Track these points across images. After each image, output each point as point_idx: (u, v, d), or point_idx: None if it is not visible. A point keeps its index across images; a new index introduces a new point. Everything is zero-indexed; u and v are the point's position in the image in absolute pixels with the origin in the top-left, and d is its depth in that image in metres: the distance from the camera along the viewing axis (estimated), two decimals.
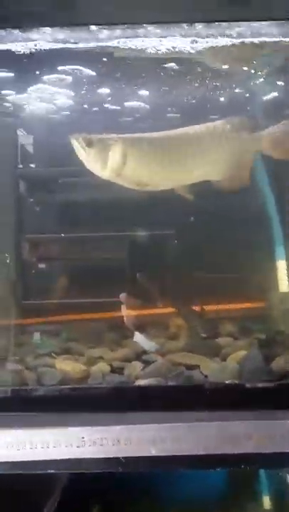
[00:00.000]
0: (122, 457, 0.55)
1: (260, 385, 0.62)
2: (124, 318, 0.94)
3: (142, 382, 0.69)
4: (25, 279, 1.05)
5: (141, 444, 0.57)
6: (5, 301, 0.97)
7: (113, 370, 0.75)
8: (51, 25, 0.65)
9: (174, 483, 0.85)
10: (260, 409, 0.60)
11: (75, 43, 0.67)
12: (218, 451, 0.57)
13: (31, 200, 1.03)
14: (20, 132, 0.98)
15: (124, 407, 0.62)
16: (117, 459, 0.57)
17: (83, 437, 0.57)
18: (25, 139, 0.98)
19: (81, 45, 0.67)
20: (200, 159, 0.78)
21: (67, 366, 0.75)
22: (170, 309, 1.00)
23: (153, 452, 0.57)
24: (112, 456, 0.57)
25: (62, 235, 1.02)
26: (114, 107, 0.87)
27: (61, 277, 1.07)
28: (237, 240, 0.99)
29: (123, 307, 0.94)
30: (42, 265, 1.06)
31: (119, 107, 0.87)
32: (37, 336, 0.88)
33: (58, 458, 0.58)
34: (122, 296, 0.95)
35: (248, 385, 0.63)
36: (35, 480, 0.63)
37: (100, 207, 0.99)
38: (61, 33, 0.66)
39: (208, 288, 1.00)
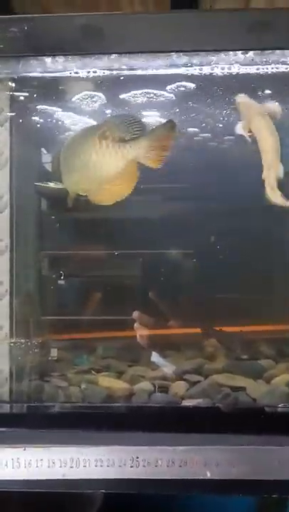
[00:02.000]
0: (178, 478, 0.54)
1: None
2: (138, 337, 0.93)
3: (189, 403, 0.68)
4: (44, 295, 1.05)
5: (196, 466, 0.56)
6: (33, 316, 0.98)
7: (156, 389, 0.75)
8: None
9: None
10: None
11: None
12: (275, 477, 0.56)
13: (52, 217, 1.05)
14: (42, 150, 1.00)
15: (175, 428, 0.61)
16: (171, 480, 0.56)
17: (138, 457, 0.56)
18: (47, 158, 1.00)
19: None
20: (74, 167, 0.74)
21: (111, 383, 0.74)
22: (197, 329, 1.00)
23: (208, 475, 0.56)
24: (166, 478, 0.56)
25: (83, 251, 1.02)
26: None
27: (93, 293, 1.07)
28: (269, 259, 0.99)
29: (136, 325, 0.94)
30: (62, 281, 1.06)
31: None
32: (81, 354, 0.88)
33: (111, 478, 0.57)
34: (135, 313, 0.94)
35: None
36: (82, 499, 0.62)
37: (120, 224, 1.00)
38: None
39: (241, 309, 1.00)
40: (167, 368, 0.86)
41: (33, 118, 0.83)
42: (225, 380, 0.76)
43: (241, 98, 0.72)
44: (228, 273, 1.02)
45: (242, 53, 0.67)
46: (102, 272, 1.04)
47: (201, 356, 0.93)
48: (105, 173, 0.72)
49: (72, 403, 0.67)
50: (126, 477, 0.56)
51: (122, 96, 0.77)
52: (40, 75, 0.72)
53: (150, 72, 0.70)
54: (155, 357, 0.95)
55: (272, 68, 0.68)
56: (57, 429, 0.61)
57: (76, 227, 1.03)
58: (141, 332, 0.94)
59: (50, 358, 0.86)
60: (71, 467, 0.56)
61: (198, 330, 1.01)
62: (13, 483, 0.57)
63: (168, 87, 0.77)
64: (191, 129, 0.87)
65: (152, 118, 0.80)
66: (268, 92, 0.75)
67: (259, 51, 0.65)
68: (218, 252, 0.98)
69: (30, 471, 0.57)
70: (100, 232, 1.00)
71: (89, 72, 0.72)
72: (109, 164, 0.71)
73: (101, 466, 0.56)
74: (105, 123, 0.72)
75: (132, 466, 0.56)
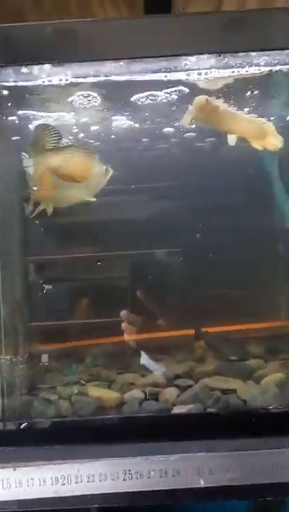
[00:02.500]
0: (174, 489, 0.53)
1: None
2: (126, 338, 0.93)
3: (180, 410, 0.67)
4: (32, 302, 1.04)
5: (189, 475, 0.56)
6: (15, 323, 0.96)
7: (147, 397, 0.74)
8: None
9: None
10: None
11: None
12: (269, 481, 0.56)
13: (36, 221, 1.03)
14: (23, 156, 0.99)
15: (166, 437, 0.60)
16: (165, 491, 0.55)
17: (130, 470, 0.56)
18: (28, 162, 0.99)
19: None
20: None
21: (102, 393, 0.74)
22: (188, 331, 0.99)
23: (202, 483, 0.55)
24: (160, 489, 0.55)
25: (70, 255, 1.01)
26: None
27: (81, 298, 1.06)
28: (255, 256, 0.99)
29: (123, 325, 0.93)
30: (49, 287, 1.05)
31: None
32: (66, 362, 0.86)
33: (103, 492, 0.56)
34: (123, 313, 0.94)
35: None
36: None
37: (104, 226, 0.99)
38: None
39: (227, 307, 1.00)
40: (158, 372, 0.86)
41: (14, 123, 0.82)
42: (215, 383, 0.76)
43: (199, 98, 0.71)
44: (215, 271, 1.02)
45: (214, 56, 0.66)
46: (89, 275, 1.02)
47: (191, 359, 0.93)
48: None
49: (62, 418, 0.66)
50: (119, 491, 0.56)
51: (95, 103, 0.76)
52: (13, 84, 0.71)
53: (123, 78, 0.69)
54: (145, 360, 0.94)
55: (246, 70, 0.67)
56: (46, 446, 0.60)
57: (61, 232, 1.02)
58: (129, 332, 0.94)
59: (41, 364, 0.85)
60: (63, 484, 0.55)
61: (187, 331, 1.00)
62: (4, 504, 0.55)
63: (143, 93, 0.76)
64: (169, 130, 0.87)
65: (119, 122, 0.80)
66: (242, 93, 0.75)
67: (231, 53, 0.65)
68: (205, 250, 0.99)
69: (21, 490, 0.55)
70: (85, 235, 1.00)
71: (61, 80, 0.71)
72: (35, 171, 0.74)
73: (93, 481, 0.56)
74: (34, 130, 0.74)
75: (124, 479, 0.56)
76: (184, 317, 1.00)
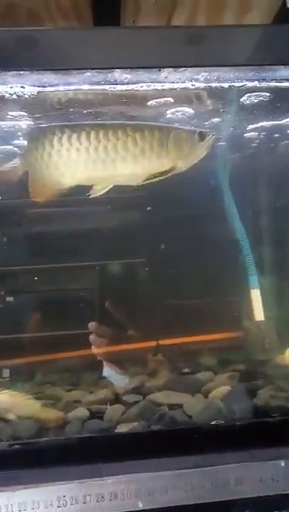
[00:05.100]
0: None
1: (246, 422, 0.60)
2: (94, 350, 0.91)
3: (124, 428, 0.65)
4: None
5: (127, 498, 0.54)
6: None
7: (93, 415, 0.72)
8: None
9: None
10: (249, 449, 0.58)
11: None
12: (210, 500, 0.54)
13: None
14: None
15: (105, 458, 0.58)
16: None
17: (64, 496, 0.53)
18: None
19: None
20: None
21: (43, 414, 0.70)
22: (146, 343, 0.98)
23: (140, 506, 0.53)
24: None
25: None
26: None
27: (34, 312, 1.03)
28: (211, 268, 1.00)
29: (92, 337, 0.92)
30: (10, 298, 1.02)
31: None
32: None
33: None
34: (91, 325, 0.92)
35: (234, 424, 0.61)
36: None
37: (68, 237, 0.97)
38: None
39: (183, 319, 0.99)
40: (121, 384, 0.84)
41: None
42: (163, 398, 0.74)
43: None
44: (167, 285, 1.01)
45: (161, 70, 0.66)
46: (41, 287, 1.00)
47: (144, 372, 0.91)
48: None
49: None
50: None
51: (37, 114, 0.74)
52: None
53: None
54: (107, 372, 0.92)
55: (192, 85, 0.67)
56: None
57: (23, 241, 0.99)
58: (98, 344, 0.92)
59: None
60: None
61: (142, 344, 0.99)
62: None
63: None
64: None
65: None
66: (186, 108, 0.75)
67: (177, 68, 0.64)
68: (154, 263, 0.98)
69: None
70: (47, 245, 0.97)
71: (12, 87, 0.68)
72: None
73: (25, 509, 0.53)
74: None
75: (59, 506, 0.53)
76: (140, 329, 0.99)
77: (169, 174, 0.69)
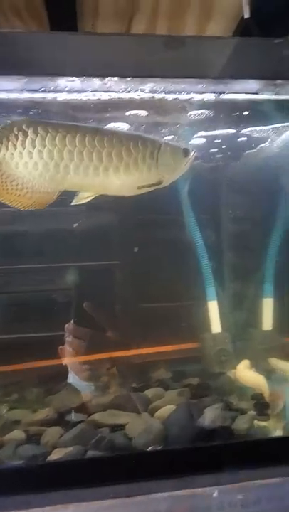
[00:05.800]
0: None
1: (181, 448, 0.57)
2: (62, 356, 0.88)
3: (57, 454, 0.62)
4: None
5: None
6: None
7: (30, 438, 0.68)
8: None
9: None
10: (183, 477, 0.55)
11: None
12: None
13: None
14: None
15: (33, 489, 0.55)
16: None
17: None
18: None
19: None
20: None
21: None
22: (101, 355, 0.95)
23: None
24: None
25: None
26: None
27: None
28: (169, 279, 0.97)
29: (68, 339, 0.89)
30: None
31: None
32: None
33: None
34: (68, 326, 0.89)
35: (169, 450, 0.58)
36: None
37: (41, 238, 0.93)
38: None
39: (138, 329, 0.97)
40: (86, 391, 0.82)
41: None
42: (106, 418, 0.71)
43: None
44: (122, 293, 0.98)
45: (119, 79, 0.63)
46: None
47: (97, 386, 0.88)
48: None
49: None
50: None
51: None
52: None
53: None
54: (72, 379, 0.89)
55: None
56: None
57: None
58: (75, 347, 0.89)
59: None
60: None
61: (95, 356, 0.96)
62: None
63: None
64: None
65: None
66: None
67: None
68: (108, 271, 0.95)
69: None
70: (16, 246, 0.92)
71: None
72: None
73: None
74: None
75: None
76: (96, 339, 0.95)
77: (155, 188, 0.67)
